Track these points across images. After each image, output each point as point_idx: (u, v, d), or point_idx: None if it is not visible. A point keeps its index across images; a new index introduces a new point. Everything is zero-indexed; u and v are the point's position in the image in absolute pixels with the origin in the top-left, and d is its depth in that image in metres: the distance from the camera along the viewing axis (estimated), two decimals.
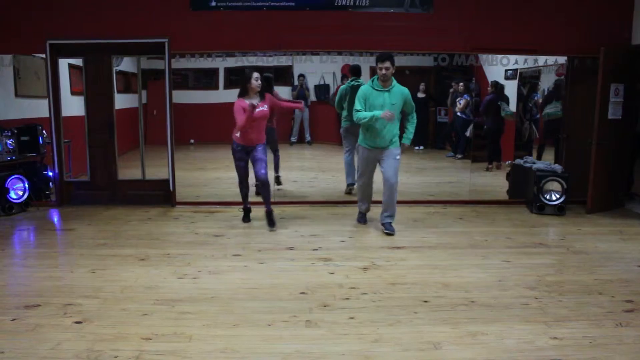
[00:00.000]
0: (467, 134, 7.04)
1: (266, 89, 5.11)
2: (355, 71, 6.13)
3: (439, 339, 2.91)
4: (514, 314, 3.24)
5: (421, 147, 7.70)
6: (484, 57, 6.23)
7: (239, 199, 5.43)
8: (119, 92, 6.29)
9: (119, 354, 2.72)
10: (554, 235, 5.10)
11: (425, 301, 3.43)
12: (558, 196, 5.72)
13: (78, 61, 6.16)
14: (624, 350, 2.79)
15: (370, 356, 2.74)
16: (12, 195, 5.68)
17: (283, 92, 6.37)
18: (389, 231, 4.95)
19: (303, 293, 3.56)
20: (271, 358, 2.71)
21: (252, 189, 5.57)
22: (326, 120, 7.57)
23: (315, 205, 6.09)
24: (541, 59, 6.33)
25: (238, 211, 5.55)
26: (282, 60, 6.24)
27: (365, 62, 6.26)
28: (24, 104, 6.22)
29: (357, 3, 5.84)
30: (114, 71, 6.15)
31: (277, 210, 5.42)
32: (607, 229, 5.25)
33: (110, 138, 6.16)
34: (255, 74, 4.89)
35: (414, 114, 4.93)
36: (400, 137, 4.94)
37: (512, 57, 6.26)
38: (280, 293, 3.56)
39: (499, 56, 6.20)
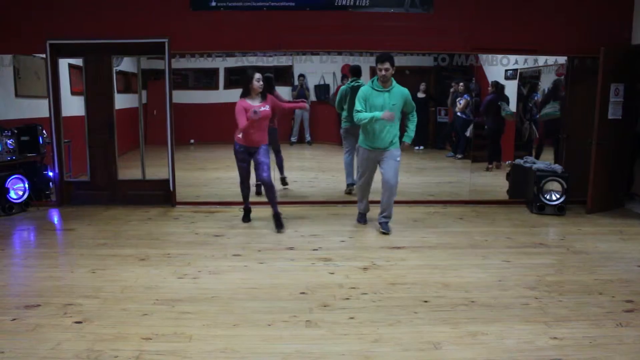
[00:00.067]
0: (467, 134, 7.04)
1: (267, 89, 5.10)
2: (355, 71, 6.12)
3: (439, 339, 2.91)
4: (514, 314, 3.24)
5: (421, 147, 7.70)
6: (484, 57, 6.23)
7: (239, 199, 5.43)
8: (119, 92, 6.29)
9: (119, 354, 2.72)
10: (554, 235, 5.10)
11: (425, 301, 3.43)
12: (558, 196, 5.72)
13: (78, 61, 6.16)
14: (624, 350, 2.79)
15: (370, 356, 2.74)
16: (12, 195, 5.68)
17: (283, 92, 6.36)
18: (384, 230, 4.96)
19: (303, 293, 3.56)
20: (271, 358, 2.72)
21: (252, 189, 5.58)
22: (326, 121, 7.57)
23: (315, 205, 6.09)
24: (541, 59, 6.34)
25: (239, 211, 5.55)
26: (282, 60, 6.24)
27: (366, 62, 6.26)
28: (24, 104, 6.22)
29: (357, 3, 5.84)
30: (114, 71, 6.15)
31: None
32: (607, 229, 5.25)
33: (110, 138, 6.16)
34: (257, 75, 4.87)
35: (415, 113, 4.94)
36: (401, 137, 4.94)
37: (512, 57, 6.26)
38: (280, 293, 3.56)
39: (499, 56, 6.20)
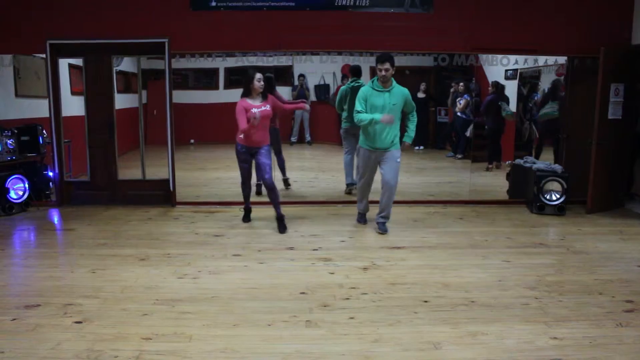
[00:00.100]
0: (467, 134, 7.04)
1: (268, 89, 5.09)
2: (355, 72, 6.12)
3: (439, 339, 2.91)
4: (514, 314, 3.24)
5: (421, 147, 7.70)
6: (484, 57, 6.23)
7: (239, 199, 5.43)
8: (119, 92, 6.29)
9: (119, 354, 2.72)
10: (554, 235, 5.10)
11: (425, 301, 3.43)
12: (558, 196, 5.72)
13: (78, 61, 6.17)
14: (624, 350, 2.79)
15: (370, 356, 2.74)
16: (13, 195, 5.68)
17: (283, 92, 6.36)
18: (381, 231, 4.97)
19: (303, 293, 3.56)
20: (271, 358, 2.72)
21: (252, 189, 5.58)
22: (326, 120, 7.58)
23: (315, 205, 6.09)
24: (541, 59, 6.34)
25: (239, 211, 5.55)
26: (282, 60, 6.24)
27: (366, 62, 6.26)
28: (24, 104, 6.22)
29: (357, 3, 5.84)
30: (114, 71, 6.15)
31: None
32: (607, 229, 5.25)
33: (111, 138, 6.16)
34: (258, 75, 4.87)
35: (415, 114, 4.94)
36: (401, 137, 4.94)
37: (512, 57, 6.26)
38: (280, 293, 3.56)
39: (499, 56, 6.20)
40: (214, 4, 5.82)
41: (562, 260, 4.28)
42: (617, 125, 5.76)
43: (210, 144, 7.89)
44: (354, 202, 5.60)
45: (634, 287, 3.68)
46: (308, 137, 7.59)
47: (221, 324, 3.09)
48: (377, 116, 4.67)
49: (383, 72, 4.70)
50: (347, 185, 6.37)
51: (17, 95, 6.09)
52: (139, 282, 3.75)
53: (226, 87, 7.51)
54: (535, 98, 6.73)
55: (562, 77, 6.26)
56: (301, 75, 7.02)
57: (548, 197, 5.74)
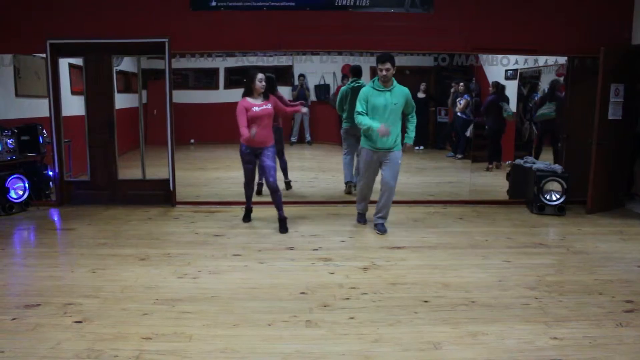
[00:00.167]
0: (467, 134, 7.05)
1: (269, 89, 5.08)
2: (355, 72, 6.12)
3: (439, 339, 2.91)
4: (514, 314, 3.24)
5: (421, 147, 7.72)
6: (484, 57, 6.23)
7: (240, 199, 5.43)
8: (119, 91, 6.30)
9: (119, 353, 2.72)
10: (554, 235, 5.10)
11: (426, 301, 3.43)
12: (558, 196, 5.72)
13: (78, 61, 6.17)
14: (624, 351, 2.79)
15: (370, 356, 2.74)
16: (13, 194, 5.68)
17: (283, 92, 6.38)
18: (379, 231, 4.97)
19: (303, 293, 3.56)
20: (271, 358, 2.72)
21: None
22: (326, 120, 7.59)
23: (315, 205, 6.09)
24: (541, 59, 6.34)
25: (240, 210, 5.55)
26: (282, 60, 6.25)
27: (366, 62, 6.26)
28: (24, 103, 6.22)
29: (357, 3, 5.84)
30: (114, 71, 6.15)
31: None
32: (607, 229, 5.25)
33: (111, 138, 6.16)
34: (260, 75, 4.86)
35: (414, 114, 4.94)
36: (402, 138, 4.94)
37: (512, 57, 6.26)
38: (281, 293, 3.56)
39: (499, 56, 6.20)
40: (214, 4, 5.82)
41: (562, 261, 4.28)
42: (617, 125, 5.76)
43: (210, 143, 7.90)
44: (353, 202, 5.60)
45: (634, 287, 3.68)
46: (308, 137, 7.60)
47: (221, 324, 3.09)
48: (376, 125, 4.67)
49: (384, 72, 4.71)
50: (346, 183, 6.36)
51: (17, 95, 6.09)
52: (139, 281, 3.75)
53: (226, 87, 7.52)
54: (535, 98, 6.74)
55: (562, 77, 6.26)
56: (301, 75, 7.03)
57: (548, 197, 5.74)
